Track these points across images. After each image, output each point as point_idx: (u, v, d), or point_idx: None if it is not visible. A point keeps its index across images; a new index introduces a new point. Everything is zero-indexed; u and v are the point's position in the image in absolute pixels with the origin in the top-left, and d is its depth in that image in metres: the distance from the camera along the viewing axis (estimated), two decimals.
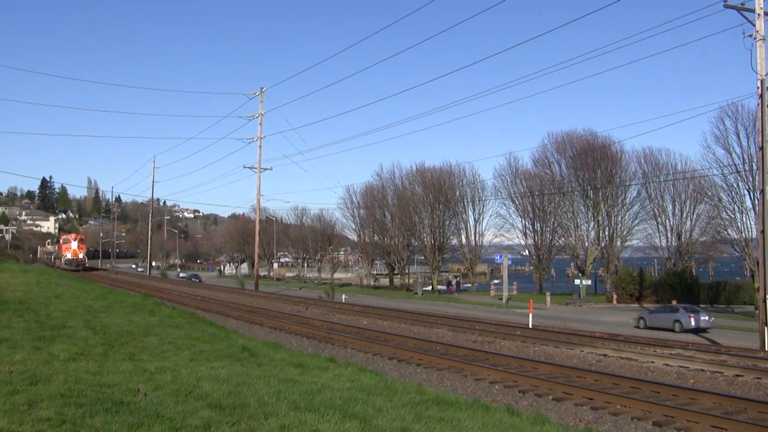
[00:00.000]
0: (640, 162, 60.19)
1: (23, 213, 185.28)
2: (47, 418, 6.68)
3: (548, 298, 49.56)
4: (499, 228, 69.49)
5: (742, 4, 22.27)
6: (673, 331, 31.61)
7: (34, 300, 22.06)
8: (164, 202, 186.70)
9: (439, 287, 70.10)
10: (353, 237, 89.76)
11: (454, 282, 74.26)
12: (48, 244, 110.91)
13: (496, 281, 68.76)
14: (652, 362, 17.02)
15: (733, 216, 47.40)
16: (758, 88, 22.02)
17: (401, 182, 77.13)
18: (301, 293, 56.82)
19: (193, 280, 78.98)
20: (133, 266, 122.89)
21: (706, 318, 32.35)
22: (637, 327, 33.64)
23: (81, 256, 77.00)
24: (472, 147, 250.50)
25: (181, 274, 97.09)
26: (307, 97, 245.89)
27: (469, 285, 74.81)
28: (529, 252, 69.93)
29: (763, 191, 21.91)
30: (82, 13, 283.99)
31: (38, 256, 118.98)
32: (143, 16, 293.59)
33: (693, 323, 31.55)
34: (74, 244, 77.71)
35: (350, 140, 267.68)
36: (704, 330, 31.70)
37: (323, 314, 31.30)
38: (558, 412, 11.26)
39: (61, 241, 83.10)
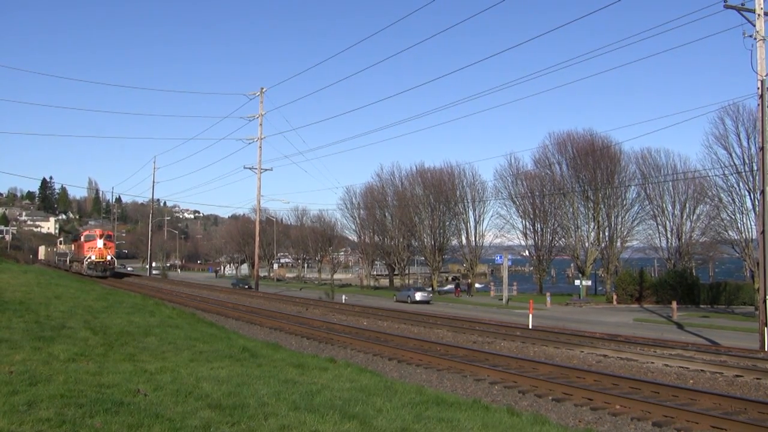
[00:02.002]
0: (640, 162, 60.23)
1: (23, 213, 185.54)
2: (47, 419, 6.68)
3: (548, 299, 49.54)
4: (499, 229, 69.48)
5: (742, 4, 22.26)
6: (407, 302, 48.86)
7: (34, 300, 22.06)
8: (164, 203, 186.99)
9: (446, 287, 69.95)
10: (353, 238, 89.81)
11: (464, 283, 70.90)
12: (60, 243, 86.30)
13: (481, 285, 68.33)
14: (652, 363, 17.02)
15: (733, 216, 47.38)
16: (758, 88, 22.01)
17: (401, 183, 77.16)
18: (301, 294, 56.81)
19: (244, 287, 63.51)
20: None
21: (425, 294, 51.74)
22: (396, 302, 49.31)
23: (109, 257, 60.91)
24: (473, 147, 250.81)
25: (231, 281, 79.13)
26: (307, 97, 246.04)
27: (480, 285, 71.66)
28: (529, 252, 69.89)
29: (763, 192, 21.90)
30: (82, 13, 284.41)
31: (40, 257, 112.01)
32: (143, 16, 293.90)
33: (417, 297, 49.92)
34: (100, 242, 60.27)
35: (350, 140, 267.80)
36: (426, 302, 49.31)
37: (323, 315, 31.30)
38: (558, 412, 11.26)
39: (82, 238, 63.64)
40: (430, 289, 65.42)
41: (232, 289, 56.69)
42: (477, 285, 71.83)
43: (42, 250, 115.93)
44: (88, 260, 59.52)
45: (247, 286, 65.43)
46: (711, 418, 10.22)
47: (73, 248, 69.06)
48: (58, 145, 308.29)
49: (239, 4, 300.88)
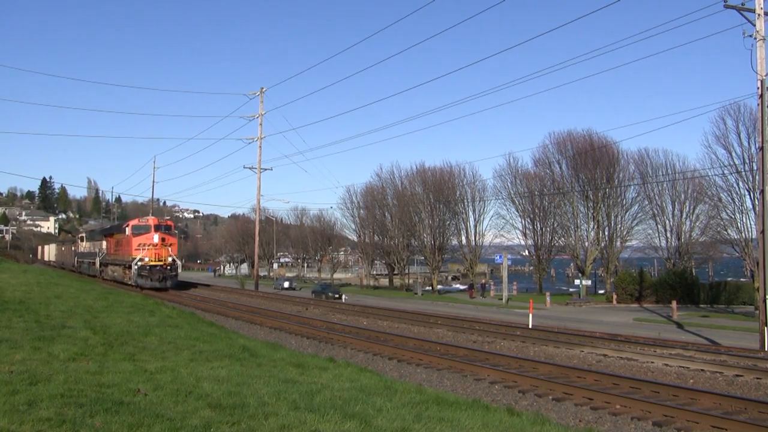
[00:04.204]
0: (640, 162, 60.26)
1: (23, 213, 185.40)
2: (47, 418, 6.68)
3: (548, 299, 49.53)
4: (499, 228, 69.51)
5: (743, 4, 22.25)
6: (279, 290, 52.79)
7: (34, 300, 22.08)
8: (164, 203, 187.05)
9: (446, 286, 69.83)
10: (353, 237, 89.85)
11: (479, 284, 66.16)
12: (82, 240, 64.01)
13: (481, 282, 67.61)
14: (652, 362, 17.01)
15: (732, 216, 47.35)
16: (758, 88, 22.00)
17: (401, 182, 77.18)
18: (301, 293, 56.81)
19: (333, 296, 50.56)
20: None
21: (291, 283, 59.40)
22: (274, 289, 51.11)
23: (171, 259, 42.81)
24: (473, 147, 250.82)
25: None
26: (307, 97, 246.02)
27: (492, 285, 66.82)
28: (528, 252, 69.91)
29: (763, 191, 21.89)
30: (82, 13, 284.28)
31: (46, 257, 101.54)
32: (143, 16, 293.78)
33: (285, 285, 56.90)
34: (155, 237, 42.34)
35: (350, 140, 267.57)
36: (292, 289, 54.08)
37: (323, 314, 31.29)
38: (558, 412, 11.26)
39: (128, 230, 43.66)
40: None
41: (232, 289, 52.94)
42: (492, 284, 69.76)
43: (49, 249, 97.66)
44: (139, 264, 41.24)
45: (337, 296, 50.58)
46: (711, 418, 10.22)
47: (106, 246, 50.68)
48: (58, 144, 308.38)
49: (239, 4, 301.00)
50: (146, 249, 41.86)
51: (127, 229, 43.96)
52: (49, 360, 10.77)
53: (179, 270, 44.33)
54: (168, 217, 46.36)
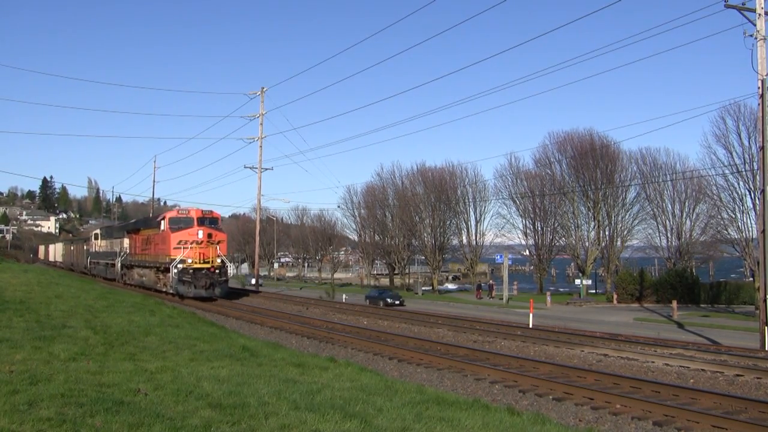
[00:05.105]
0: (640, 162, 60.29)
1: (24, 213, 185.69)
2: (47, 418, 6.68)
3: (548, 298, 49.55)
4: (500, 228, 69.57)
5: (743, 4, 22.25)
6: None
7: (34, 300, 22.09)
8: (165, 202, 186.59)
9: (446, 286, 69.91)
10: (354, 237, 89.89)
11: (486, 284, 63.93)
12: (97, 238, 55.44)
13: (488, 283, 67.12)
14: (653, 362, 17.01)
15: (733, 216, 47.37)
16: (759, 88, 22.00)
17: (402, 182, 77.25)
18: (301, 293, 56.79)
19: (393, 303, 44.09)
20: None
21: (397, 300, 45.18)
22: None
23: (219, 260, 34.50)
24: (473, 147, 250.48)
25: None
26: (307, 97, 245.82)
27: (493, 285, 62.38)
28: (529, 252, 69.96)
29: (763, 191, 21.88)
30: (82, 13, 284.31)
31: (41, 256, 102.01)
32: (143, 16, 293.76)
33: (253, 282, 46.61)
34: (200, 233, 34.03)
35: (351, 140, 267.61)
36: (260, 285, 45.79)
37: (323, 314, 31.30)
38: (558, 411, 11.26)
39: (163, 224, 35.40)
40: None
41: (233, 289, 43.61)
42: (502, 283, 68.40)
43: (54, 249, 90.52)
44: (180, 267, 32.94)
45: (397, 302, 44.83)
46: (711, 418, 10.22)
47: (129, 244, 43.09)
48: (58, 144, 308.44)
49: (239, 4, 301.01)
50: (188, 248, 33.43)
51: (162, 222, 35.33)
52: (50, 360, 10.78)
53: (230, 274, 36.13)
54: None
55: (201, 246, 33.68)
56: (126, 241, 44.15)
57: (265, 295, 45.73)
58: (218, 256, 34.28)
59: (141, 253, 39.79)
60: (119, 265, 44.81)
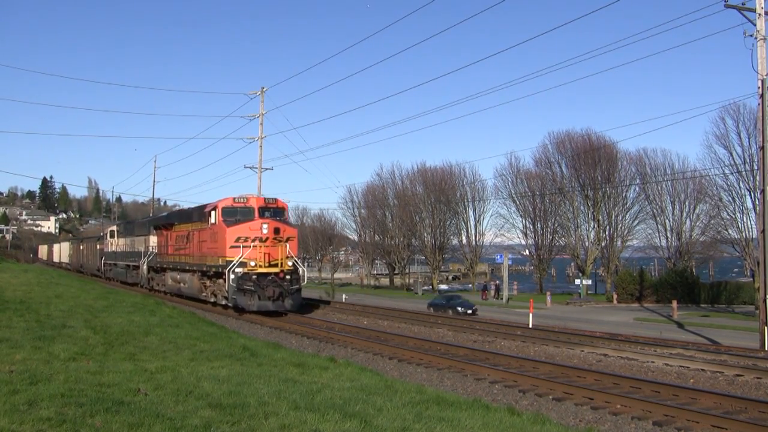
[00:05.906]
0: (640, 162, 60.32)
1: (24, 213, 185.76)
2: (47, 418, 6.68)
3: (548, 298, 49.56)
4: (499, 228, 69.65)
5: (743, 3, 22.24)
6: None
7: (34, 300, 22.10)
8: (165, 202, 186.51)
9: (446, 286, 69.99)
10: (354, 237, 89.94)
11: (492, 286, 61.32)
12: (113, 236, 48.03)
13: (495, 283, 67.29)
14: (653, 362, 17.00)
15: (733, 216, 47.46)
16: (759, 87, 22.00)
17: (402, 182, 77.38)
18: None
19: (466, 312, 37.80)
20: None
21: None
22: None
23: (291, 263, 26.31)
24: (473, 147, 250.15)
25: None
26: (307, 96, 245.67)
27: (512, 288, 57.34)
28: (529, 252, 70.02)
29: (763, 191, 21.88)
30: (83, 13, 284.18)
31: (41, 256, 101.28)
32: (143, 16, 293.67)
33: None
34: (264, 227, 25.74)
35: (351, 140, 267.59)
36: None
37: (323, 314, 31.26)
38: (558, 411, 11.26)
39: (215, 216, 27.12)
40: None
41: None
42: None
43: (59, 248, 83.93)
44: (239, 272, 25.35)
45: (470, 311, 38.45)
46: (711, 418, 10.22)
47: (158, 243, 36.32)
48: (58, 144, 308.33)
49: (240, 4, 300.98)
50: (250, 247, 25.56)
51: (213, 214, 27.29)
52: (50, 360, 10.78)
53: (304, 281, 27.95)
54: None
55: (266, 244, 25.83)
56: (153, 239, 36.96)
57: None
58: (288, 257, 26.38)
59: (176, 253, 32.37)
60: (144, 267, 37.70)
